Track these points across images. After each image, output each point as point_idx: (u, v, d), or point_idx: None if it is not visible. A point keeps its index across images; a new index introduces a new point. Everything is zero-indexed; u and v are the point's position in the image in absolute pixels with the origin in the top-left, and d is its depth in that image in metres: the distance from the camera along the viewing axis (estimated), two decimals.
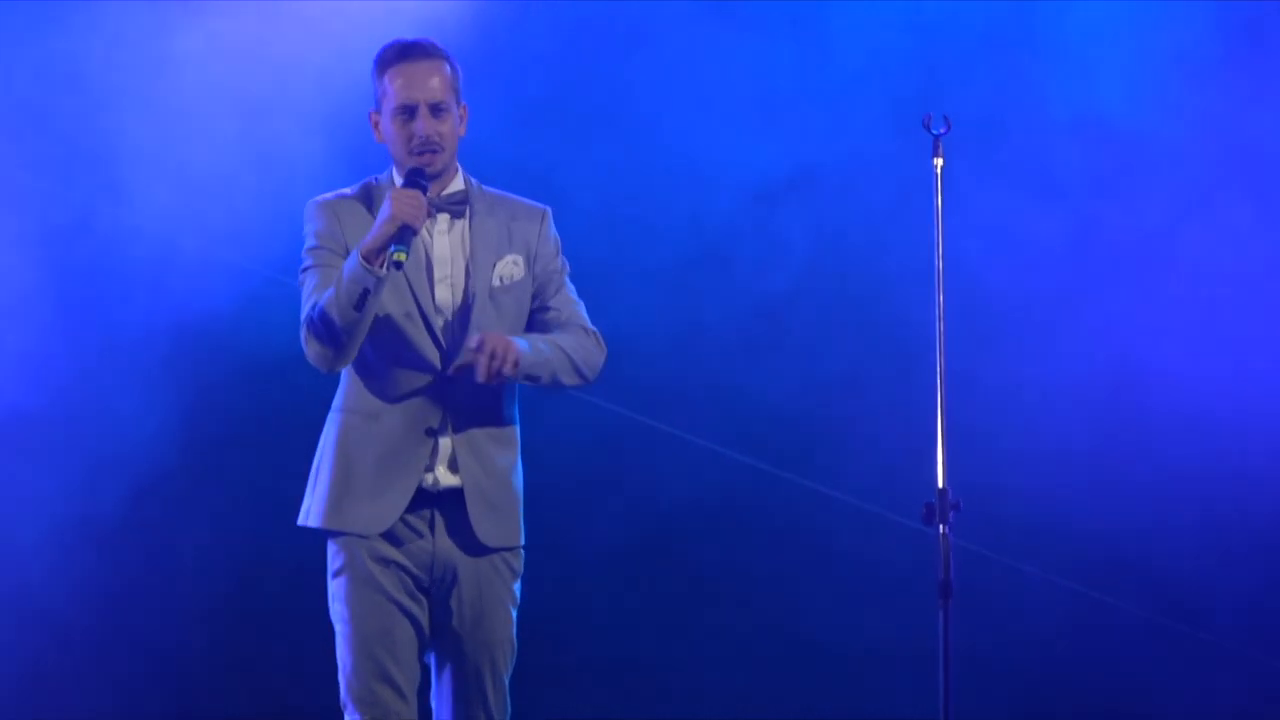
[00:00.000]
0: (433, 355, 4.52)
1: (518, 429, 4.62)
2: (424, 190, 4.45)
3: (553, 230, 4.68)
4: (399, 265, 4.35)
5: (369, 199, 4.58)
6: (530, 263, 4.61)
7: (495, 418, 4.56)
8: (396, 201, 4.38)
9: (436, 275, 4.54)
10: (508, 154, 6.40)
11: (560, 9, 6.85)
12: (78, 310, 6.75)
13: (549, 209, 4.70)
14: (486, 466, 4.54)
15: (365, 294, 4.35)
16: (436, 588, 4.55)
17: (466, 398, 4.51)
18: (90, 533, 6.72)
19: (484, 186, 4.66)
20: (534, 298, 4.63)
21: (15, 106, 6.71)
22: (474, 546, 4.54)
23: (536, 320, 4.63)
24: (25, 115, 6.70)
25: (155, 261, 6.75)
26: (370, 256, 4.36)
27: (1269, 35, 6.81)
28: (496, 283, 4.56)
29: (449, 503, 4.52)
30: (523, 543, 4.62)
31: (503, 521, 4.56)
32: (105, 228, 6.74)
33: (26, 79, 6.70)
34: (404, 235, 4.35)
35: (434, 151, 4.51)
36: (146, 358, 6.75)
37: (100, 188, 6.71)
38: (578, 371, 4.58)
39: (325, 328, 4.41)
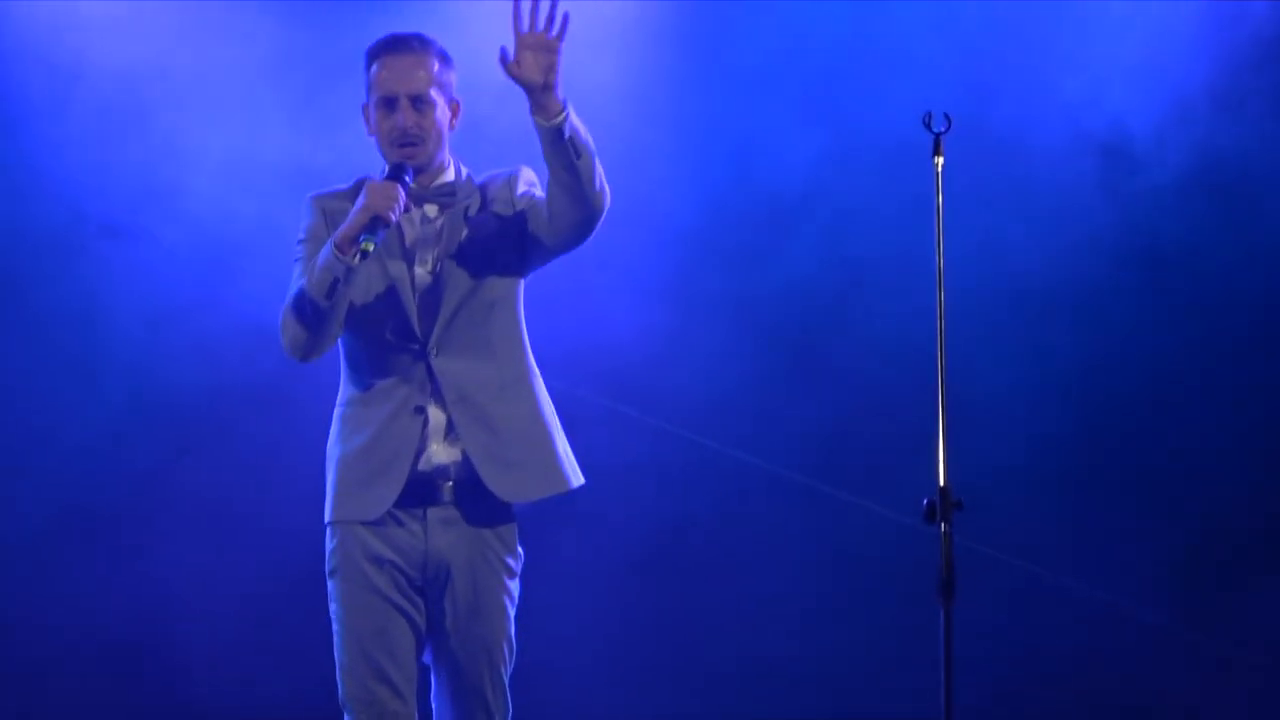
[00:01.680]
0: (415, 333, 4.53)
1: (533, 379, 4.59)
2: (405, 184, 4.45)
3: (527, 177, 4.60)
4: (365, 255, 4.35)
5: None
6: (506, 214, 4.56)
7: (495, 379, 4.55)
8: (371, 193, 4.40)
9: (417, 259, 4.55)
10: (511, 144, 6.40)
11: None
12: (85, 306, 6.77)
13: (522, 165, 4.64)
14: (492, 427, 4.51)
15: (335, 283, 4.37)
16: (431, 586, 4.54)
17: (459, 367, 4.51)
18: (92, 531, 6.73)
19: (474, 177, 4.66)
20: (523, 220, 4.54)
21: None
22: (467, 538, 4.53)
23: (536, 210, 4.51)
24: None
25: (161, 259, 6.77)
26: (343, 246, 4.37)
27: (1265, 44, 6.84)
28: (470, 245, 4.54)
29: (443, 488, 4.51)
30: (573, 486, 4.58)
31: (527, 474, 4.53)
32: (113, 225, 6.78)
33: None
34: (375, 226, 4.36)
35: (413, 144, 4.51)
36: (152, 354, 6.76)
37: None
38: (602, 177, 4.42)
39: (297, 316, 4.44)
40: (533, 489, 4.56)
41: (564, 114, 4.28)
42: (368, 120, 4.63)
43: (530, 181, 4.61)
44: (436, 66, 4.57)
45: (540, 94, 4.26)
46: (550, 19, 4.26)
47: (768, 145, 6.91)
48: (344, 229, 4.39)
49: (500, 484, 4.51)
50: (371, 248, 4.35)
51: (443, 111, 4.57)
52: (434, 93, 4.54)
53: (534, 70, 4.26)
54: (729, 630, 6.89)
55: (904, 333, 6.65)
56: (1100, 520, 6.82)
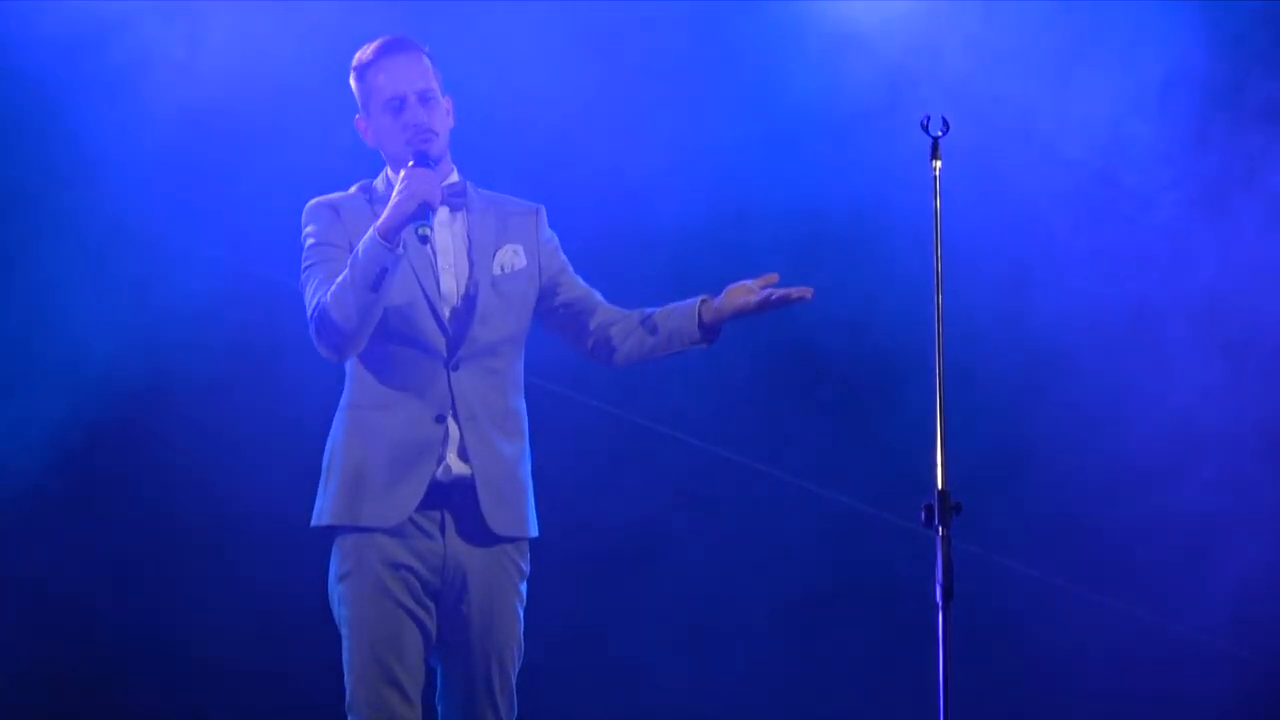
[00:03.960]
0: (439, 343, 4.54)
1: (524, 420, 4.63)
2: (433, 170, 4.46)
3: (546, 222, 4.73)
4: (425, 239, 4.38)
5: (369, 198, 4.60)
6: (533, 255, 4.65)
7: (499, 406, 4.57)
8: (414, 180, 4.39)
9: (441, 264, 4.56)
10: (514, 163, 6.42)
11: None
12: (83, 309, 6.77)
13: (543, 206, 4.74)
14: (494, 454, 4.54)
15: (383, 273, 4.35)
16: (447, 591, 4.55)
17: (471, 386, 4.53)
18: (94, 530, 6.73)
19: (477, 187, 4.70)
20: (550, 289, 4.67)
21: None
22: (485, 544, 4.54)
23: (566, 307, 4.68)
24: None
25: (156, 260, 6.77)
26: (388, 235, 4.36)
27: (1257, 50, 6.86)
28: (498, 271, 4.59)
29: (458, 497, 4.52)
30: (534, 535, 4.62)
31: (511, 510, 4.55)
32: (109, 225, 6.76)
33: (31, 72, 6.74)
34: (424, 211, 4.37)
35: (429, 139, 4.53)
36: (148, 356, 6.76)
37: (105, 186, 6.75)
38: None
39: (339, 313, 4.40)
40: (511, 525, 4.57)
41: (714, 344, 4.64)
42: (366, 133, 4.64)
43: (554, 234, 4.72)
44: (430, 63, 4.62)
45: (724, 322, 4.60)
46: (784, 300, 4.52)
47: (762, 148, 6.92)
48: (388, 219, 4.37)
49: (490, 510, 4.52)
50: (428, 231, 4.36)
51: (444, 108, 4.61)
52: (435, 88, 4.59)
53: (744, 305, 4.57)
54: (726, 632, 6.89)
55: (900, 334, 6.67)
56: (1098, 523, 6.83)
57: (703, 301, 4.64)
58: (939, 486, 4.56)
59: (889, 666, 6.73)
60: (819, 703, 6.83)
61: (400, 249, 4.36)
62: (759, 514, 6.93)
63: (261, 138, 6.72)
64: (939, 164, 4.71)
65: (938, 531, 4.55)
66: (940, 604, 4.52)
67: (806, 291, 4.52)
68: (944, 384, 4.62)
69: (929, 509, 4.56)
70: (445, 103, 4.63)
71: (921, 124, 4.69)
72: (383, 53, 4.60)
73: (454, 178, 4.65)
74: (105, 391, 6.75)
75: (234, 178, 6.72)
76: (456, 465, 4.52)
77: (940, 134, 4.70)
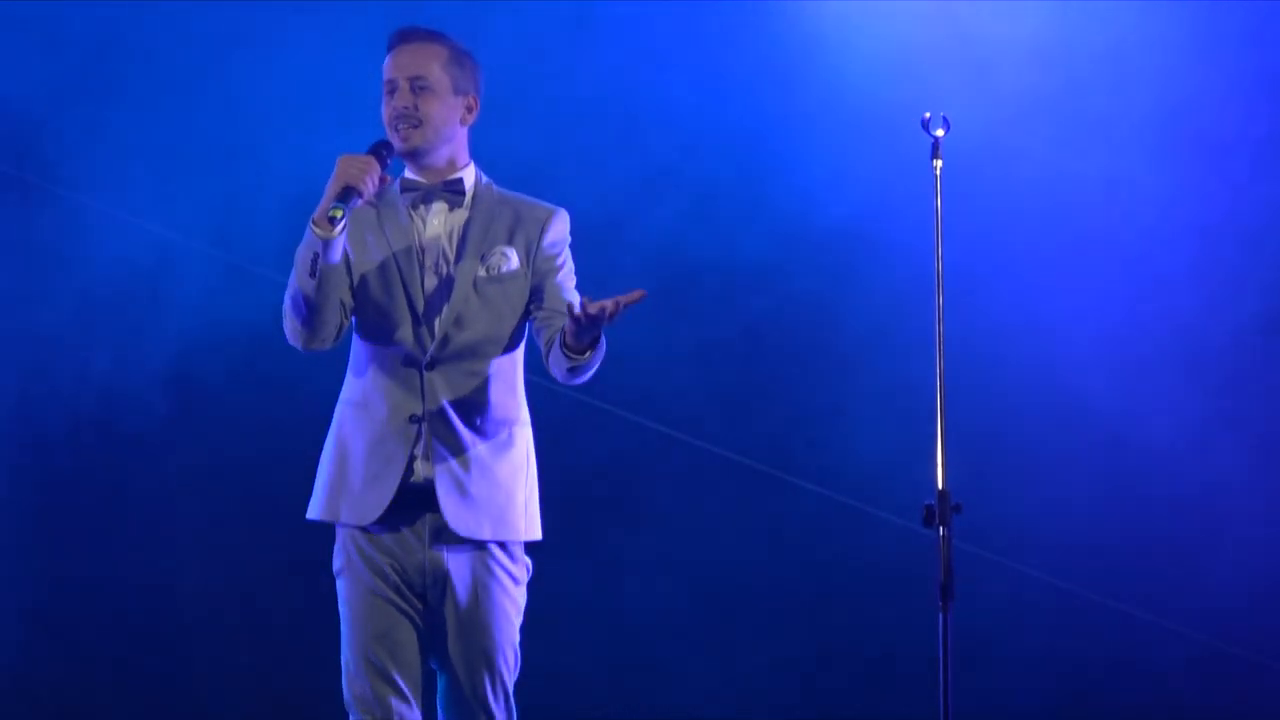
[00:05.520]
0: (415, 342, 4.50)
1: (515, 424, 4.56)
2: (384, 161, 4.42)
3: (559, 230, 4.62)
4: (334, 221, 4.32)
5: (378, 196, 4.54)
6: (527, 258, 4.57)
7: (478, 408, 4.51)
8: (342, 164, 4.37)
9: (425, 262, 4.53)
10: (514, 163, 6.41)
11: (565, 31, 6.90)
12: (81, 309, 6.76)
13: (562, 210, 4.64)
14: (464, 455, 4.48)
15: (315, 258, 4.35)
16: (430, 593, 4.52)
17: (446, 387, 4.49)
18: (92, 529, 6.72)
19: (497, 187, 4.64)
20: (536, 294, 4.57)
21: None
22: (466, 547, 4.50)
23: (535, 317, 4.56)
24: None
25: (153, 262, 6.76)
26: (319, 220, 4.35)
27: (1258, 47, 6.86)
28: (483, 273, 4.52)
29: (432, 499, 4.47)
30: (523, 539, 4.57)
31: (480, 512, 4.48)
32: (106, 227, 6.75)
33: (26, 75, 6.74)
34: (346, 195, 4.34)
35: (412, 126, 4.49)
36: (148, 356, 6.75)
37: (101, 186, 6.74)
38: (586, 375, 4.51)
39: (291, 301, 4.44)
40: (482, 528, 4.50)
41: (586, 355, 4.36)
42: None
43: (562, 243, 4.61)
44: (446, 56, 4.53)
45: (585, 333, 4.30)
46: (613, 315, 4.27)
47: (763, 147, 6.92)
48: (320, 205, 4.36)
49: (452, 512, 4.47)
50: (340, 214, 4.31)
51: (449, 102, 4.53)
52: (438, 79, 4.50)
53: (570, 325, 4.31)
54: (726, 632, 6.88)
55: (900, 332, 6.66)
56: (1098, 524, 6.83)
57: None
58: (939, 486, 4.55)
59: (889, 665, 6.73)
60: (819, 704, 6.82)
61: (334, 231, 4.32)
62: (763, 515, 6.92)
63: (272, 139, 6.73)
64: (940, 163, 4.71)
65: (938, 531, 4.54)
66: (940, 604, 4.51)
67: (623, 300, 4.23)
68: (944, 384, 4.62)
69: (929, 509, 4.55)
70: (464, 100, 4.56)
71: (922, 124, 4.70)
72: (392, 40, 4.57)
73: (458, 174, 4.58)
74: (108, 387, 6.76)
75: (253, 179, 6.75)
76: (424, 467, 4.49)
77: (941, 134, 4.70)
